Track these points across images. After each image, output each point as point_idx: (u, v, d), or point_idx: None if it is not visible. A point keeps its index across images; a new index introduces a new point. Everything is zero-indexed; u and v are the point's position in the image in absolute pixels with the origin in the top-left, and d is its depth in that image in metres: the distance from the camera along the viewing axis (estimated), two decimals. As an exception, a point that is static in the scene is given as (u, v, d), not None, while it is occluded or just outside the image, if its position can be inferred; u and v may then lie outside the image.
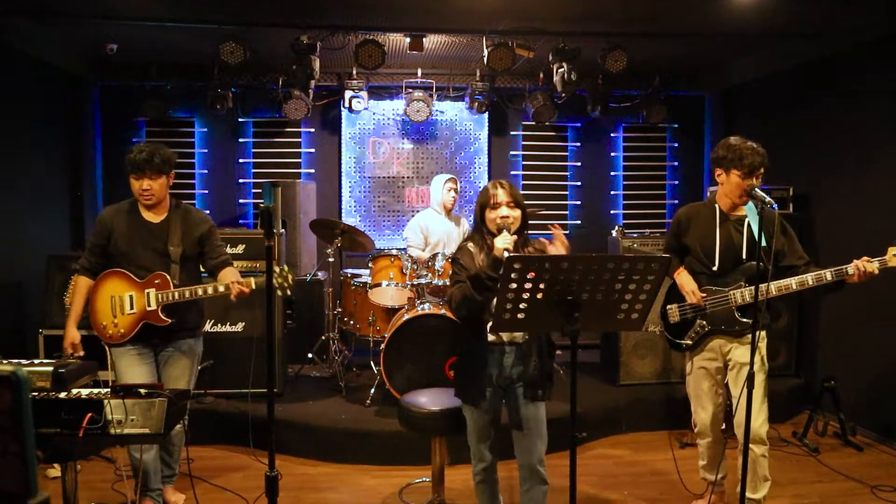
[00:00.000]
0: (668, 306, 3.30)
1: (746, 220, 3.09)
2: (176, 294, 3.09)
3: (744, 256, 3.07)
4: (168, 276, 3.11)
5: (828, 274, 2.87)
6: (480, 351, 2.65)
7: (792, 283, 2.93)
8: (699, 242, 3.16)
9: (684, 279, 3.18)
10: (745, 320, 3.05)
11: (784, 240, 3.05)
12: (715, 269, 3.12)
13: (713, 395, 3.22)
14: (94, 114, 6.15)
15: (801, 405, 4.89)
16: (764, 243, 2.86)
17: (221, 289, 3.08)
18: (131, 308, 3.10)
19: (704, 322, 3.16)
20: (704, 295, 3.13)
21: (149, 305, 3.08)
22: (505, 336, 2.64)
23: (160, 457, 3.29)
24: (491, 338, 2.64)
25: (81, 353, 3.14)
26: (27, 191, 5.03)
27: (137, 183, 3.12)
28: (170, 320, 3.10)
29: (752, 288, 2.90)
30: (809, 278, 2.90)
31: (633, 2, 4.46)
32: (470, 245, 2.69)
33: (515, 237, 2.55)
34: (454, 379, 2.83)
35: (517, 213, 2.61)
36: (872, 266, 2.80)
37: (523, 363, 2.67)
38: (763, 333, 3.08)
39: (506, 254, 2.39)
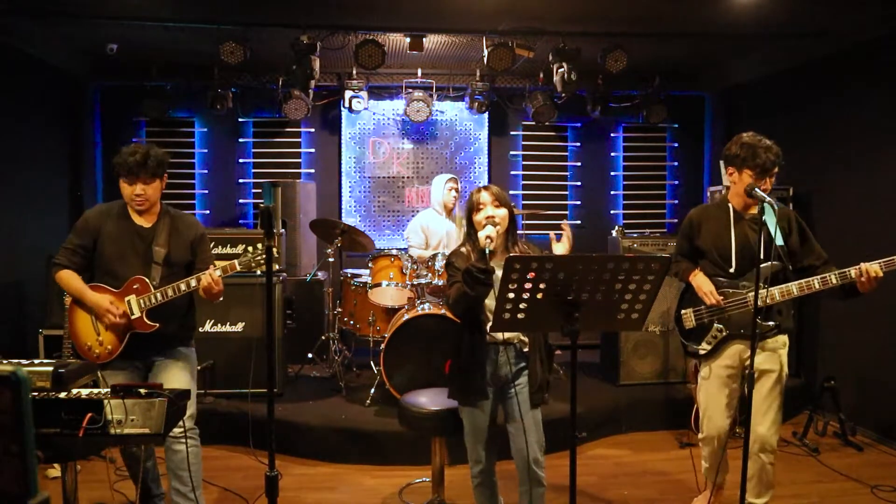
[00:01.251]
0: (683, 311, 3.15)
1: (762, 219, 2.98)
2: (158, 295, 2.86)
3: (761, 256, 2.90)
4: (147, 280, 2.89)
5: (832, 277, 2.79)
6: (477, 349, 2.67)
7: (793, 288, 2.84)
8: (714, 244, 3.04)
9: (700, 280, 3.04)
10: (765, 323, 2.90)
11: (798, 239, 2.97)
12: (732, 270, 2.99)
13: (728, 407, 3.07)
14: (94, 114, 6.15)
15: (801, 405, 4.88)
16: (781, 242, 2.79)
17: (193, 283, 2.88)
18: None
19: (722, 326, 3.02)
20: (722, 297, 3.00)
21: (132, 313, 2.87)
22: (500, 334, 2.66)
23: (175, 489, 3.04)
24: (487, 336, 2.66)
25: (123, 310, 2.86)
26: (27, 191, 5.03)
27: (130, 188, 2.91)
28: (157, 324, 2.90)
29: (773, 289, 2.84)
30: (816, 282, 2.81)
31: (633, 2, 4.46)
32: (463, 249, 2.76)
33: (498, 227, 2.61)
34: (448, 381, 2.83)
35: (502, 211, 2.67)
36: (875, 268, 2.73)
37: (519, 362, 2.70)
38: (785, 339, 2.98)
39: (488, 241, 2.50)
